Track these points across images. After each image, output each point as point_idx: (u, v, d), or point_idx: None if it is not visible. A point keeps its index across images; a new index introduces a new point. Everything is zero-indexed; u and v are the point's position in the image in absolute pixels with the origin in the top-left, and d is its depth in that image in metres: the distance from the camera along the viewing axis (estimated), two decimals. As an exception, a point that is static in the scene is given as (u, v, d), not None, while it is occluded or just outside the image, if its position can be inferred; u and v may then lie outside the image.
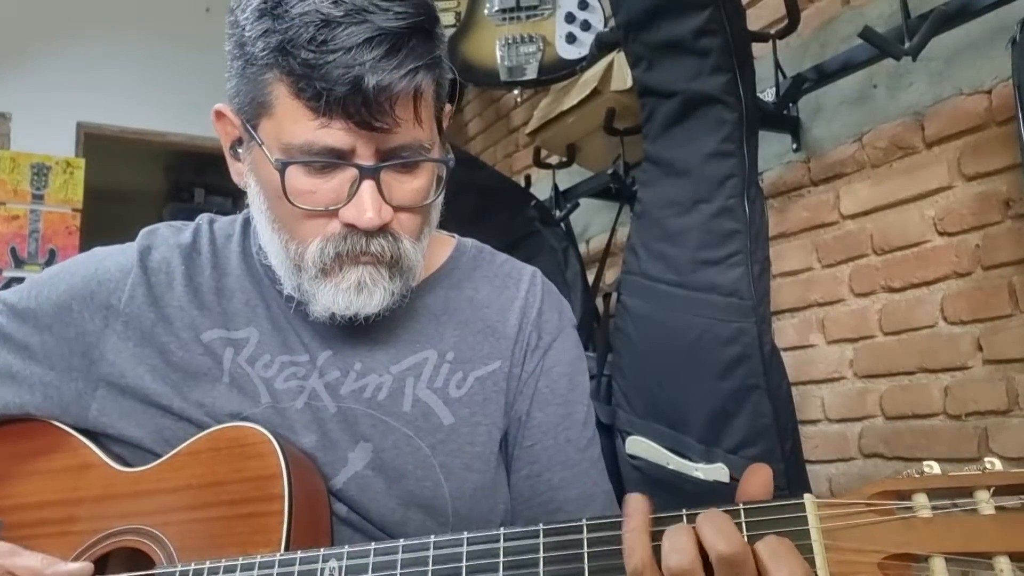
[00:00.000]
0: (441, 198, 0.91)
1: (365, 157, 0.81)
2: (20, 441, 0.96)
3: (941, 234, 1.83)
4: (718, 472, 1.69)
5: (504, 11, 2.64)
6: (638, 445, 1.82)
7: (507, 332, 0.95)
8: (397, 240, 0.85)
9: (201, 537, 0.84)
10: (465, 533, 0.73)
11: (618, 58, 2.32)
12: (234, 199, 5.74)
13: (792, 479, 1.67)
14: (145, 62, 4.58)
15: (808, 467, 1.79)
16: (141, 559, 0.86)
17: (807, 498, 0.64)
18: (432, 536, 0.74)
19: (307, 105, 0.78)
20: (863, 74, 1.99)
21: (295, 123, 0.80)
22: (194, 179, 6.10)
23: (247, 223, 0.98)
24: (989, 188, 1.74)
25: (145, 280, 0.94)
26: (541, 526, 0.71)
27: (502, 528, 0.72)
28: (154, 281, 0.94)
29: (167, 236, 0.98)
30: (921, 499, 0.61)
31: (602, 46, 2.42)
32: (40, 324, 0.95)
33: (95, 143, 4.59)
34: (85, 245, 3.74)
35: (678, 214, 1.82)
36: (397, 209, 0.84)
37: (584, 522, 0.69)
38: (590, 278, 2.54)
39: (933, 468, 0.62)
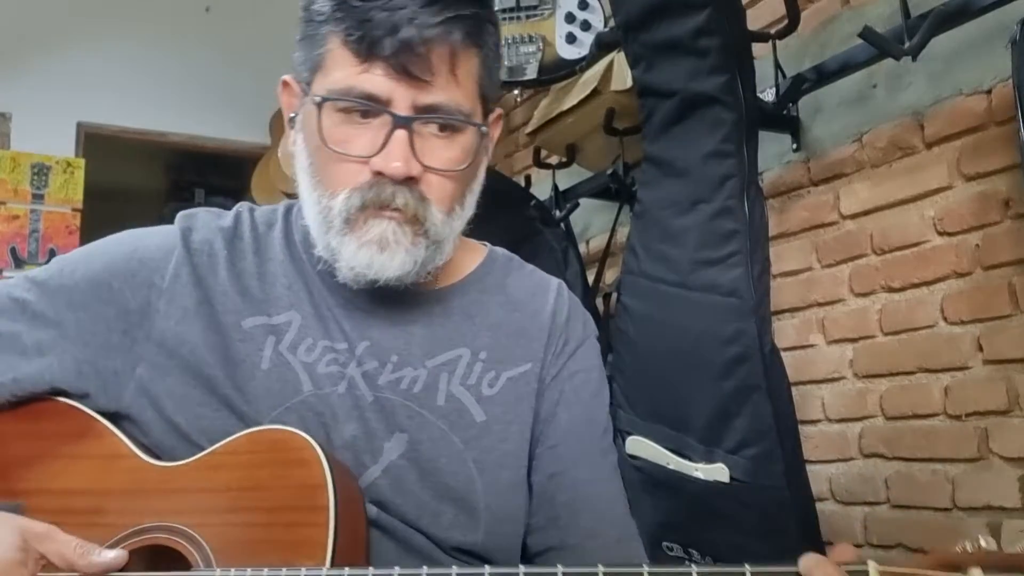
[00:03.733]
0: (479, 183, 0.95)
1: (401, 108, 0.84)
2: (42, 421, 0.93)
3: (941, 234, 1.83)
4: (718, 472, 1.69)
5: (504, 11, 2.64)
6: (638, 445, 1.82)
7: (538, 336, 0.98)
8: (425, 202, 0.87)
9: (240, 542, 0.81)
10: (521, 568, 0.75)
11: (618, 58, 2.32)
12: (234, 199, 5.74)
13: (792, 479, 1.67)
14: (145, 62, 4.57)
15: (808, 467, 1.78)
16: (173, 558, 0.83)
17: (871, 565, 0.70)
18: (487, 567, 0.75)
19: (353, 51, 0.84)
20: (863, 74, 1.99)
21: (341, 69, 0.85)
22: (194, 179, 6.09)
23: (289, 211, 1.00)
24: (989, 188, 1.74)
25: (189, 260, 0.93)
26: (600, 568, 0.73)
27: (560, 567, 0.74)
28: (197, 262, 0.94)
29: (207, 220, 0.98)
30: (976, 574, 0.66)
31: (602, 46, 2.42)
32: (74, 302, 0.93)
33: (95, 143, 4.58)
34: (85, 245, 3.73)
35: (678, 214, 1.82)
36: (428, 169, 0.86)
37: (646, 569, 0.72)
38: (590, 278, 2.54)
39: (988, 543, 0.67)
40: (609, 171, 2.52)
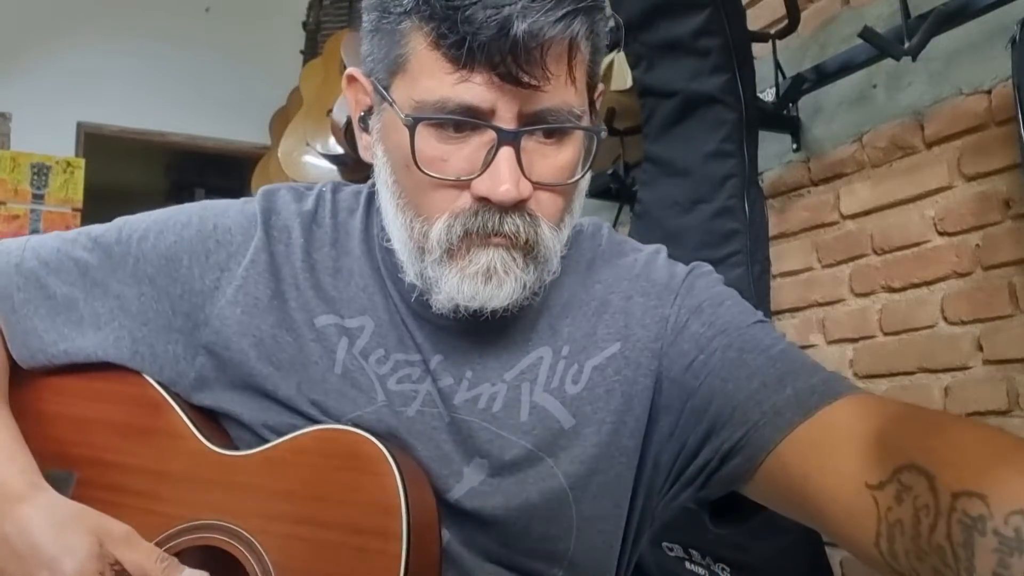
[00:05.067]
0: (586, 182, 0.80)
1: (505, 120, 0.71)
2: (109, 381, 0.86)
3: (941, 234, 1.83)
4: (718, 472, 1.69)
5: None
6: (638, 445, 1.82)
7: (621, 306, 0.84)
8: (535, 222, 0.74)
9: (303, 559, 0.74)
10: None
11: (618, 58, 2.32)
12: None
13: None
14: (145, 62, 4.58)
15: (808, 467, 1.79)
16: (230, 562, 0.77)
17: None
18: None
19: (446, 55, 0.69)
20: (863, 74, 1.99)
21: (431, 77, 0.71)
22: (194, 179, 6.10)
23: (372, 197, 0.87)
24: (989, 188, 1.74)
25: (267, 247, 0.84)
26: None
27: None
28: (275, 250, 0.84)
29: (288, 201, 0.87)
30: None
31: (602, 46, 2.41)
32: (139, 274, 0.85)
33: (95, 143, 4.59)
34: (85, 245, 3.73)
35: (678, 214, 1.82)
36: (537, 186, 0.73)
37: None
38: (590, 278, 2.54)
39: None
40: (609, 171, 2.52)
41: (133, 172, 5.96)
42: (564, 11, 0.68)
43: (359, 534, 0.73)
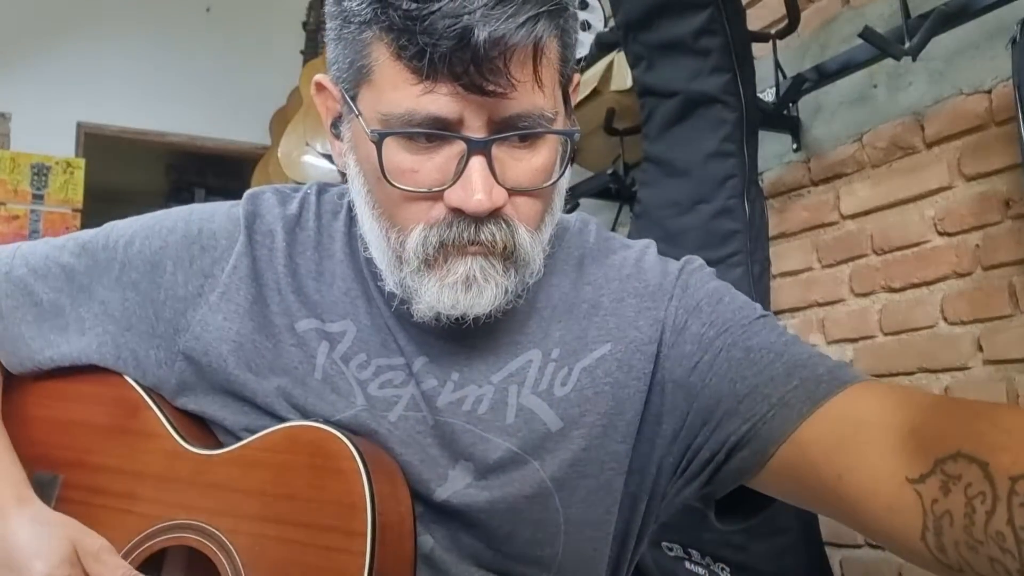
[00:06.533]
0: (565, 181, 0.79)
1: (474, 129, 0.69)
2: (93, 384, 0.87)
3: (941, 234, 1.83)
4: (718, 472, 1.69)
5: (504, 11, 2.63)
6: (638, 445, 1.82)
7: (613, 308, 0.83)
8: (512, 228, 0.73)
9: (272, 558, 0.74)
10: None
11: (618, 58, 2.32)
12: (234, 199, 5.73)
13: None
14: (145, 62, 4.58)
15: (808, 467, 1.78)
16: (202, 562, 0.78)
17: None
18: None
19: (409, 66, 0.68)
20: (863, 74, 1.99)
21: (395, 89, 0.69)
22: (194, 179, 6.11)
23: None
24: (989, 188, 1.74)
25: (250, 252, 0.83)
26: None
27: None
28: (257, 255, 0.84)
29: (272, 204, 0.87)
30: None
31: (602, 46, 2.42)
32: (124, 279, 0.85)
33: (95, 143, 4.59)
34: (85, 245, 3.73)
35: (678, 214, 1.82)
36: (512, 192, 0.72)
37: None
38: (590, 278, 2.54)
39: None
40: (609, 171, 2.52)
41: (133, 172, 5.95)
42: (526, 16, 0.66)
43: (325, 532, 0.72)
